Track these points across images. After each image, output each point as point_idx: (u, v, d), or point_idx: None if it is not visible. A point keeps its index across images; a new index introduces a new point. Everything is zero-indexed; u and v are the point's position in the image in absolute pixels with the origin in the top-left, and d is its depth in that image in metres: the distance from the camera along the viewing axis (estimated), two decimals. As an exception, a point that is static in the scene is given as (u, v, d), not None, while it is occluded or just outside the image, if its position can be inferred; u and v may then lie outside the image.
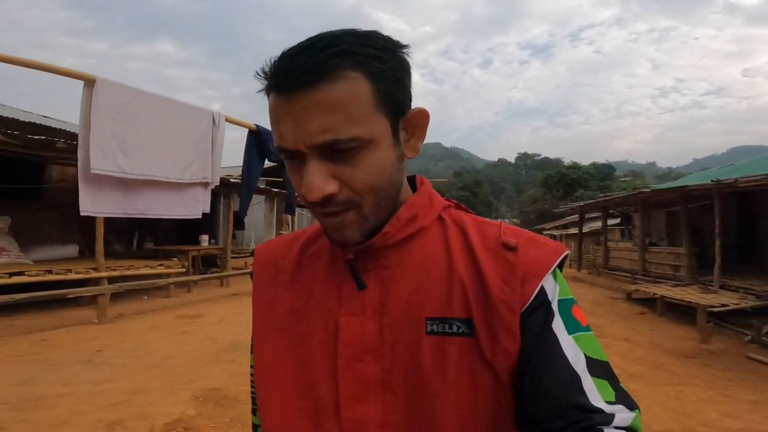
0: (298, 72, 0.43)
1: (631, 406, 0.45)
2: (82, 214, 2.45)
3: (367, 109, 0.45)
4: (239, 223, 12.25)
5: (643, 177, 59.29)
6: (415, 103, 0.52)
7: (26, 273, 5.89)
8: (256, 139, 3.78)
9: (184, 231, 12.25)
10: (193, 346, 4.64)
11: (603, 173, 52.63)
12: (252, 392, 0.60)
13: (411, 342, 0.48)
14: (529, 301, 0.47)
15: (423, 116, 0.52)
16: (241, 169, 3.85)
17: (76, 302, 6.67)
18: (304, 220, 18.74)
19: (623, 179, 48.33)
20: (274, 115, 0.47)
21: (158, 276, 7.96)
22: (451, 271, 0.50)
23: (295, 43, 0.46)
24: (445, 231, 0.53)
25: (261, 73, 0.47)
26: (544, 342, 0.46)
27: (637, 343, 5.61)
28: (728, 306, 6.27)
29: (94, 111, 2.39)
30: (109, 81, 2.49)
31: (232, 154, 4.69)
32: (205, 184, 3.24)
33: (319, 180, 0.45)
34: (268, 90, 0.48)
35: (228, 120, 3.44)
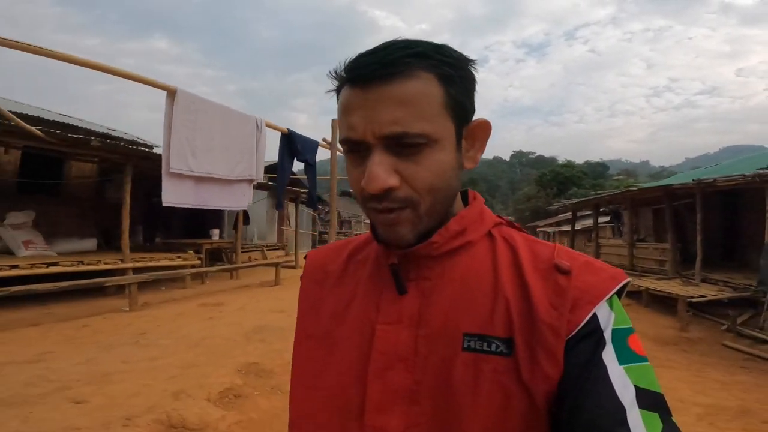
0: (374, 66, 0.46)
1: None
2: (164, 205, 2.94)
3: (436, 108, 0.47)
4: (245, 218, 12.69)
5: (636, 176, 59.66)
6: None
7: (60, 264, 6.31)
8: (288, 141, 4.26)
9: (190, 226, 12.71)
10: (222, 330, 5.10)
11: (596, 172, 53.18)
12: None
13: (445, 356, 0.48)
14: (578, 328, 0.45)
15: (485, 128, 0.53)
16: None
17: (102, 292, 7.12)
18: (304, 217, 19.08)
19: (616, 178, 48.82)
20: (346, 107, 0.48)
21: (179, 267, 8.39)
22: (495, 289, 0.49)
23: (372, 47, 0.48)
24: (494, 247, 0.53)
25: (333, 73, 0.50)
26: (591, 371, 0.44)
27: (622, 330, 6.13)
28: (706, 297, 6.76)
29: (174, 118, 2.85)
30: (184, 92, 2.94)
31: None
32: (250, 181, 3.73)
33: (383, 172, 0.46)
34: (341, 86, 0.50)
35: (266, 125, 3.93)
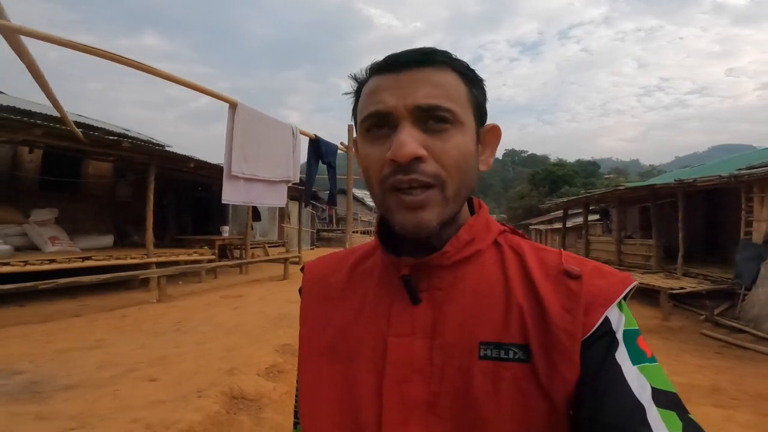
0: (409, 54, 0.49)
1: None
2: (223, 202, 3.47)
3: (463, 98, 0.50)
4: (256, 215, 13.08)
5: (626, 174, 59.77)
6: None
7: (93, 258, 6.75)
8: (315, 146, 4.78)
9: (198, 223, 13.15)
10: (251, 317, 5.60)
11: (588, 170, 53.41)
12: (295, 406, 0.62)
13: (462, 366, 0.47)
14: (592, 330, 0.46)
15: (497, 133, 0.56)
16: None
17: (126, 285, 7.55)
18: (303, 215, 19.45)
19: (607, 176, 49.41)
20: (374, 90, 0.50)
21: (195, 262, 8.83)
22: (508, 296, 0.50)
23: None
24: (502, 255, 0.54)
25: (361, 72, 0.53)
26: (607, 371, 0.44)
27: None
28: (686, 289, 7.33)
29: (235, 127, 3.31)
30: (243, 105, 3.41)
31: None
32: (287, 181, 4.24)
33: (412, 141, 0.46)
34: (365, 81, 0.53)
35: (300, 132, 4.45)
